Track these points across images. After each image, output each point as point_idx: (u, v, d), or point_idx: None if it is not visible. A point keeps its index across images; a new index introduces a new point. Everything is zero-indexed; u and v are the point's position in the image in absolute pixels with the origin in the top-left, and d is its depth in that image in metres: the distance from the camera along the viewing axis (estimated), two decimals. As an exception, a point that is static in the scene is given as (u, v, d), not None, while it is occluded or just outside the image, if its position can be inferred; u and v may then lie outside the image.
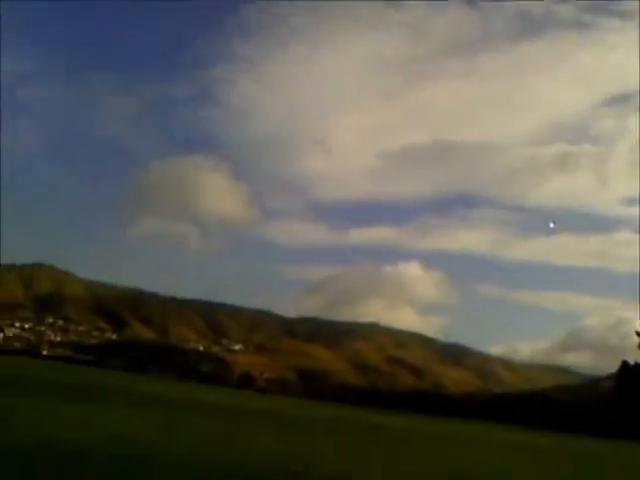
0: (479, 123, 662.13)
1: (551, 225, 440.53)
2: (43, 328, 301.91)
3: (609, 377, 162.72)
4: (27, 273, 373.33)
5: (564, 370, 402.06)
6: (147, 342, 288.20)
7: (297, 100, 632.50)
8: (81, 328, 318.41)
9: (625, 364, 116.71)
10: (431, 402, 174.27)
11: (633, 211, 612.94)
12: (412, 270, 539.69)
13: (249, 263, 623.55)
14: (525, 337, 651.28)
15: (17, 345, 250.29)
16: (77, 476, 10.08)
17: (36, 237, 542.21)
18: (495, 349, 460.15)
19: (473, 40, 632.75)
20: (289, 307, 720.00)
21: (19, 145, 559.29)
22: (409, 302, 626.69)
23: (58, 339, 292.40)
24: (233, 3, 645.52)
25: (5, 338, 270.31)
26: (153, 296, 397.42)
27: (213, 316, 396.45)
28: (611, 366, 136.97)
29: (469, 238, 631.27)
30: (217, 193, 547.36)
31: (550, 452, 42.38)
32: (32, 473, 9.90)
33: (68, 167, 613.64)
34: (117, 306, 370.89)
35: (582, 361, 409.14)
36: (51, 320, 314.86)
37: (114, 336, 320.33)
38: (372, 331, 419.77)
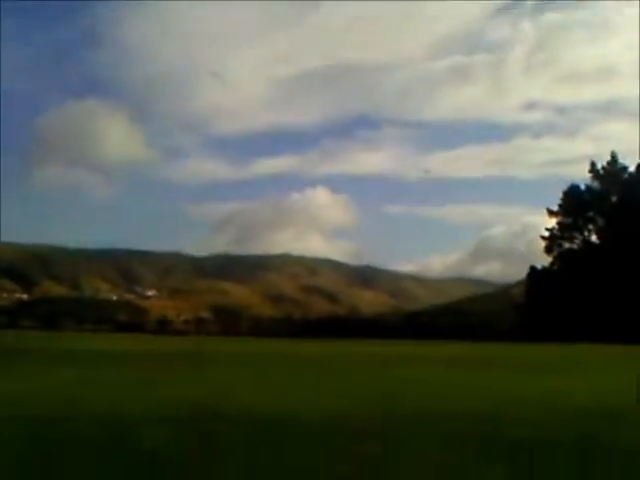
0: (373, 42, 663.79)
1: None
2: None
3: (519, 284, 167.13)
4: None
5: (476, 281, 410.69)
6: (59, 298, 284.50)
7: (189, 34, 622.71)
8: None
9: (533, 269, 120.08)
10: (347, 326, 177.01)
11: (531, 116, 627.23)
12: (318, 196, 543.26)
13: (154, 205, 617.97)
14: (435, 252, 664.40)
15: None
16: None
17: None
18: (407, 267, 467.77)
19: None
20: (199, 246, 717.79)
21: None
22: (318, 229, 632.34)
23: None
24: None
25: None
26: (61, 250, 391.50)
27: (124, 264, 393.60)
28: (521, 273, 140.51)
29: (372, 159, 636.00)
30: (116, 137, 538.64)
31: (467, 360, 44.29)
32: None
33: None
34: (25, 265, 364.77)
35: (492, 270, 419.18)
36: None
37: (24, 296, 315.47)
38: (283, 261, 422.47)
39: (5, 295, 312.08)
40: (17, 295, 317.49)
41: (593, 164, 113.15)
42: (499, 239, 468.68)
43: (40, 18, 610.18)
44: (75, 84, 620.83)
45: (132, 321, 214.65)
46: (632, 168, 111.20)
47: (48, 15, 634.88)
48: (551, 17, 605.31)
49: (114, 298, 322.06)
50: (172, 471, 8.66)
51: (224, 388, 20.35)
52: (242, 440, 10.86)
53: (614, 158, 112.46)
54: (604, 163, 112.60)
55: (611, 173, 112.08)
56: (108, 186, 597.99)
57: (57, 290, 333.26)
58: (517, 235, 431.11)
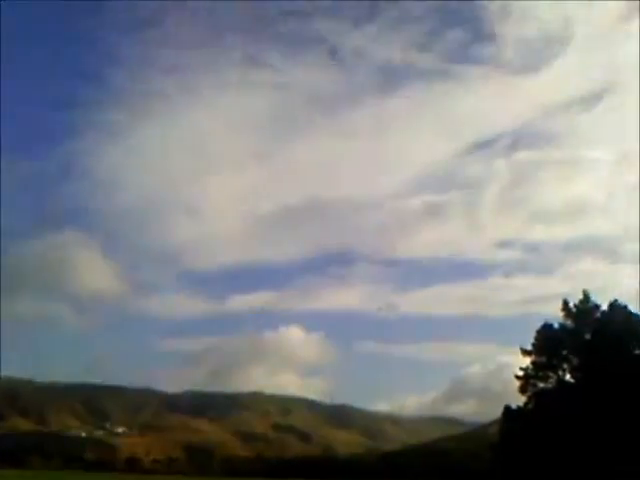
0: (348, 179, 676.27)
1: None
2: None
3: (494, 423, 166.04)
4: None
5: (450, 420, 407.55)
6: (26, 433, 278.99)
7: (164, 167, 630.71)
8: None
9: (507, 409, 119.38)
10: (321, 467, 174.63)
11: (504, 254, 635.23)
12: (292, 334, 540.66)
13: (126, 339, 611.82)
14: (410, 391, 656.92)
15: None
16: None
17: None
18: (381, 406, 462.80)
19: (336, 95, 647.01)
20: (171, 382, 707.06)
21: None
22: (291, 366, 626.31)
23: None
24: (95, 72, 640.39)
25: None
26: (29, 384, 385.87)
27: (93, 399, 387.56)
28: (496, 412, 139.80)
29: (346, 296, 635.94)
30: (88, 269, 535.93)
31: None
32: None
33: None
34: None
35: (468, 410, 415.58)
36: None
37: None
38: (256, 399, 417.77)
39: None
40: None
41: (565, 302, 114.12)
42: (474, 378, 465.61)
43: (16, 151, 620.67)
44: (49, 216, 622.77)
45: (101, 459, 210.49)
46: (604, 306, 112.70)
47: (23, 148, 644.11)
48: (523, 155, 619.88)
49: (83, 435, 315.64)
50: None
51: None
52: None
53: (586, 296, 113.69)
54: (576, 301, 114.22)
55: (584, 311, 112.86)
56: (80, 319, 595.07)
57: (24, 425, 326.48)
58: (492, 374, 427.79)
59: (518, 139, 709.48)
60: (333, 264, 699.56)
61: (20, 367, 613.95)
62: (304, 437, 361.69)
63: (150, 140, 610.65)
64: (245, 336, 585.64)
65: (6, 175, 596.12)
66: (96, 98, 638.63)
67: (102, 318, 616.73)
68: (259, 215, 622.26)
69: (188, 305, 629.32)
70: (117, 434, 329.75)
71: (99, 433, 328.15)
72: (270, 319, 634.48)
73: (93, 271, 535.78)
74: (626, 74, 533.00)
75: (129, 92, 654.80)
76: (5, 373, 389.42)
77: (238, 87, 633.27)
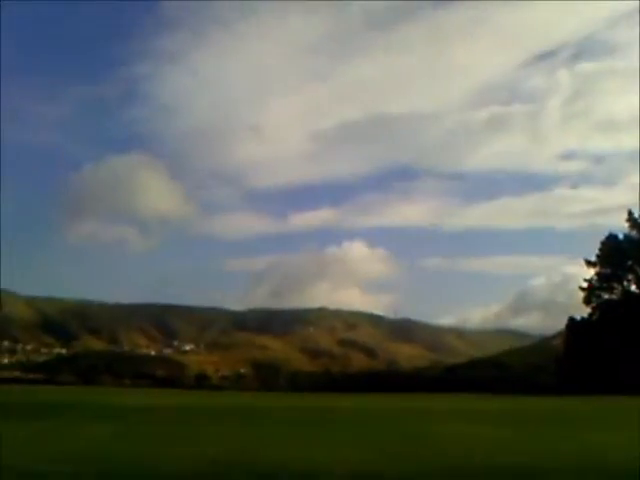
0: (408, 94, 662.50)
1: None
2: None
3: (558, 335, 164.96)
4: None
5: (515, 333, 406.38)
6: (97, 353, 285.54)
7: (225, 89, 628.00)
8: (29, 347, 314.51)
9: (571, 320, 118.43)
10: (385, 380, 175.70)
11: (569, 166, 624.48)
12: (356, 249, 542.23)
13: (192, 260, 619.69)
14: (474, 304, 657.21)
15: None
16: None
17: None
18: (445, 320, 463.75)
19: (392, 10, 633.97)
20: (236, 300, 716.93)
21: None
22: (356, 282, 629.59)
23: (5, 361, 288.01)
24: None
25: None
26: (99, 305, 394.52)
27: (162, 318, 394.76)
28: (561, 324, 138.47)
29: (410, 211, 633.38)
30: (153, 191, 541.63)
31: (505, 413, 43.69)
32: None
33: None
34: (63, 320, 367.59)
35: (532, 322, 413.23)
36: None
37: (63, 351, 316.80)
38: (321, 315, 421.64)
39: (45, 350, 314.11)
40: (56, 350, 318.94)
41: (630, 213, 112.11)
42: (539, 290, 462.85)
43: (78, 75, 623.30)
44: (112, 140, 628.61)
45: (170, 376, 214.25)
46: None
47: (85, 72, 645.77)
48: (586, 66, 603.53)
49: (152, 353, 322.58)
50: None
51: (259, 444, 20.33)
52: None
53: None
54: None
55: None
56: (146, 240, 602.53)
57: (96, 345, 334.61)
58: (557, 286, 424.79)
59: (581, 50, 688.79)
60: (396, 179, 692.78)
61: (90, 288, 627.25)
62: (368, 351, 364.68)
63: (210, 64, 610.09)
64: (308, 253, 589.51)
65: (68, 100, 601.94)
66: (152, 23, 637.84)
67: (168, 239, 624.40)
68: (320, 133, 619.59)
69: (251, 224, 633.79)
70: (185, 352, 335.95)
71: (168, 351, 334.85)
72: (333, 236, 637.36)
73: (158, 193, 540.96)
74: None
75: (186, 16, 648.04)
76: (76, 294, 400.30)
77: (295, 7, 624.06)
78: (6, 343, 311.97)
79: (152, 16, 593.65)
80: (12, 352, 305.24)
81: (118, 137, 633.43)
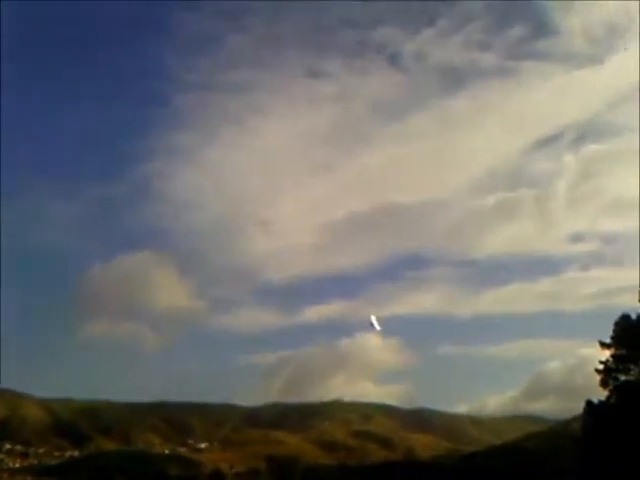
0: (416, 182, 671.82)
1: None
2: (1, 457, 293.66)
3: (576, 419, 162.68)
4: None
5: (532, 418, 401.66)
6: (109, 453, 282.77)
7: (235, 185, 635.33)
8: (41, 450, 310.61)
9: (589, 403, 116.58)
10: (403, 470, 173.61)
11: (579, 248, 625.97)
12: (369, 340, 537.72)
13: (205, 356, 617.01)
14: (490, 391, 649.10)
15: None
16: None
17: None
18: (461, 407, 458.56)
19: (399, 100, 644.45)
20: (250, 396, 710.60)
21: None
22: (370, 373, 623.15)
23: (17, 465, 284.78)
24: (162, 95, 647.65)
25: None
26: (111, 405, 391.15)
27: (175, 416, 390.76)
28: (578, 408, 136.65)
29: (422, 299, 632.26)
30: (165, 288, 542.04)
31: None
32: None
33: (11, 281, 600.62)
34: (75, 421, 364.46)
35: (549, 406, 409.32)
36: (9, 447, 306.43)
37: (76, 452, 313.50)
38: (336, 408, 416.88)
39: (57, 453, 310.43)
40: (68, 452, 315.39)
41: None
42: (554, 374, 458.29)
43: (91, 174, 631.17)
44: (123, 238, 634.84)
45: (185, 475, 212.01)
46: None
47: (98, 171, 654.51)
48: (592, 148, 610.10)
49: (166, 452, 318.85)
50: None
51: None
52: None
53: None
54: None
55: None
56: (158, 338, 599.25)
57: (108, 445, 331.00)
58: (573, 369, 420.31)
59: (585, 132, 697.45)
60: (407, 268, 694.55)
61: (102, 388, 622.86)
62: (385, 442, 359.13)
63: (220, 160, 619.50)
64: (321, 346, 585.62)
65: (82, 199, 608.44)
66: (165, 122, 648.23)
67: (180, 336, 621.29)
68: (329, 225, 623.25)
69: (263, 319, 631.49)
70: (200, 449, 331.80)
71: (182, 449, 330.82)
72: (346, 328, 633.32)
73: (170, 290, 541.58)
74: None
75: (197, 114, 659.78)
76: (87, 395, 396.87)
77: (302, 101, 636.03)
78: (19, 447, 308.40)
79: (163, 114, 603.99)
80: (24, 455, 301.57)
81: (129, 235, 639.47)
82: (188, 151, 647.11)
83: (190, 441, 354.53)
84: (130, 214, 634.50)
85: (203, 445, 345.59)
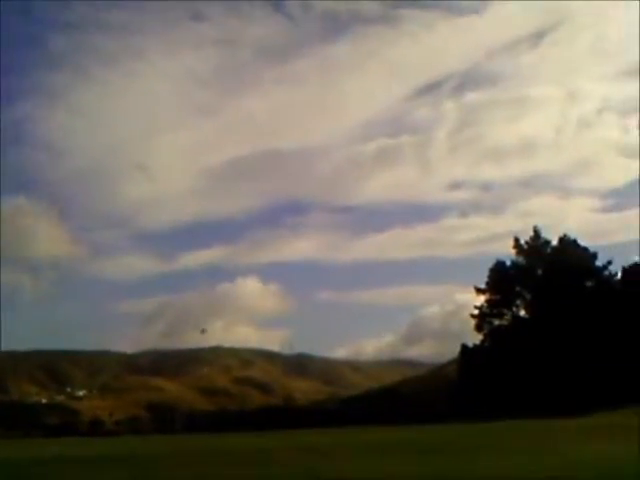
0: (298, 128, 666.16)
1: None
2: None
3: (452, 362, 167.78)
4: None
5: (409, 363, 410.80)
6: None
7: (112, 127, 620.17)
8: None
9: (464, 346, 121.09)
10: (282, 416, 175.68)
11: (458, 195, 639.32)
12: (248, 286, 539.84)
13: (82, 303, 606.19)
14: (368, 336, 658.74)
15: None
16: None
17: None
18: (340, 353, 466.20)
19: (283, 46, 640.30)
20: (129, 343, 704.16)
21: None
22: (250, 319, 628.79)
23: None
24: (35, 35, 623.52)
25: None
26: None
27: (52, 365, 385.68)
28: (454, 352, 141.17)
29: (301, 246, 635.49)
30: (41, 235, 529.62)
31: (402, 444, 44.25)
32: None
33: None
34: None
35: (426, 351, 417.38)
36: None
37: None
38: (216, 354, 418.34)
39: None
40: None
41: (517, 240, 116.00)
42: (431, 319, 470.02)
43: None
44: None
45: (64, 424, 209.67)
46: (555, 241, 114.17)
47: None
48: (472, 97, 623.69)
49: (43, 401, 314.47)
50: None
51: None
52: None
53: (537, 233, 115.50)
54: (528, 238, 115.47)
55: (535, 248, 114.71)
56: (35, 285, 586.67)
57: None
58: (449, 314, 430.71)
59: (465, 81, 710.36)
60: (286, 215, 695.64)
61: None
62: (265, 388, 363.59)
63: (96, 103, 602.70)
64: (200, 292, 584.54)
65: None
66: (35, 61, 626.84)
67: (58, 283, 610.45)
68: (208, 170, 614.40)
69: (141, 265, 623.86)
70: (78, 398, 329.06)
71: (60, 398, 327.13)
72: (225, 274, 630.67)
73: (46, 237, 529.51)
74: (569, 9, 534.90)
75: (73, 56, 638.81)
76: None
77: (185, 45, 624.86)
78: None
79: (35, 53, 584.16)
80: None
81: (2, 180, 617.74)
82: (62, 94, 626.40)
83: (68, 389, 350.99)
84: (2, 159, 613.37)
85: (81, 393, 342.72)
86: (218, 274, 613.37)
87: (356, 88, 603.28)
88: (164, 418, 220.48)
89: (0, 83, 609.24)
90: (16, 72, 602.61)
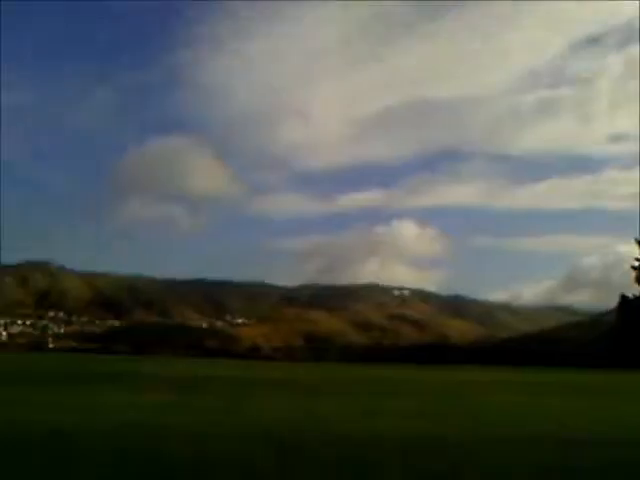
0: (455, 80, 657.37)
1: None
2: (45, 322, 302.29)
3: (610, 312, 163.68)
4: (22, 272, 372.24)
5: (567, 310, 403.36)
6: (150, 324, 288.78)
7: (272, 74, 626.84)
8: (83, 319, 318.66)
9: (624, 297, 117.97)
10: (436, 353, 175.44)
11: (619, 148, 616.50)
12: (406, 228, 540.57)
13: (241, 239, 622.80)
14: (526, 282, 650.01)
15: (22, 341, 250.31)
16: (89, 464, 10.45)
17: (27, 236, 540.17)
18: (497, 296, 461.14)
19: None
20: (286, 277, 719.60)
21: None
22: (406, 260, 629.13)
23: (62, 331, 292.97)
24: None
25: (9, 335, 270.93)
26: (150, 280, 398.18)
27: (212, 294, 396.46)
28: (612, 302, 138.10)
29: (459, 192, 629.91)
30: (202, 172, 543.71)
31: (555, 386, 43.07)
32: (43, 463, 10.32)
33: (49, 163, 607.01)
34: (116, 295, 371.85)
35: (584, 300, 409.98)
36: (52, 314, 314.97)
37: (117, 323, 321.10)
38: (371, 291, 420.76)
39: (98, 322, 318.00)
40: (109, 322, 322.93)
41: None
42: (591, 269, 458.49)
43: (121, 61, 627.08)
44: (158, 124, 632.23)
45: (222, 347, 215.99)
46: None
47: (130, 58, 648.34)
48: (635, 50, 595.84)
49: (204, 326, 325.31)
50: None
51: (318, 414, 20.09)
52: (328, 460, 10.65)
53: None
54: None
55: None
56: (195, 220, 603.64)
57: (148, 317, 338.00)
58: (609, 265, 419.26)
59: (629, 35, 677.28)
60: (444, 162, 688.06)
61: (141, 265, 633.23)
62: (419, 326, 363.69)
63: (256, 49, 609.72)
64: (357, 232, 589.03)
65: (114, 86, 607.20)
66: (196, 11, 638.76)
67: (217, 219, 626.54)
68: (365, 117, 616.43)
69: (299, 206, 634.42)
70: (237, 325, 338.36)
71: (219, 324, 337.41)
72: (381, 217, 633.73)
73: (206, 174, 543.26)
74: None
75: (232, 5, 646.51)
76: (127, 270, 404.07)
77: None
78: (61, 314, 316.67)
79: (195, 3, 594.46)
80: (68, 323, 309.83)
81: (164, 121, 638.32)
82: (224, 41, 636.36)
83: (227, 317, 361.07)
84: (164, 101, 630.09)
85: (240, 320, 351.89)
86: (375, 217, 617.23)
87: (516, 40, 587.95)
88: (319, 348, 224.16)
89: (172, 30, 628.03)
90: (185, 22, 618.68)
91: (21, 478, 8.42)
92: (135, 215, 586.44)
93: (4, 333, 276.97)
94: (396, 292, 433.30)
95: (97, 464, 8.54)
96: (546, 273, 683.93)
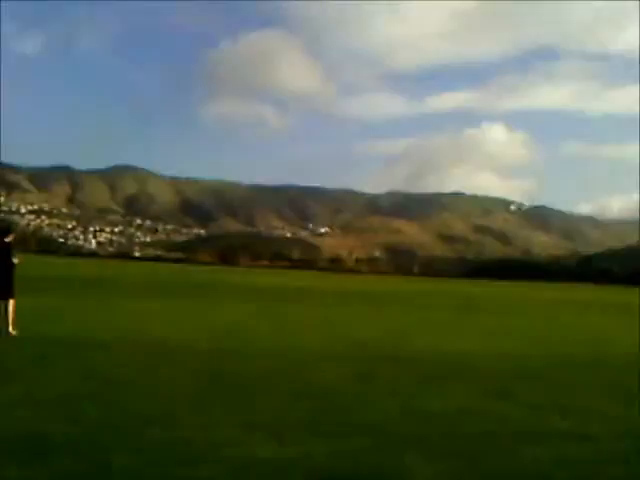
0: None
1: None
2: (132, 230, 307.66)
3: None
4: (110, 177, 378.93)
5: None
6: (235, 234, 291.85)
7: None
8: (169, 227, 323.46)
9: None
10: (520, 268, 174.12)
11: None
12: (495, 133, 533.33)
13: (328, 141, 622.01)
14: (614, 193, 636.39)
15: (110, 249, 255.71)
16: (176, 366, 10.70)
17: (114, 140, 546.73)
18: (583, 208, 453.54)
19: None
20: (372, 183, 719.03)
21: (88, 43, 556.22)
22: (493, 167, 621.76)
23: (148, 240, 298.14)
24: None
25: (98, 244, 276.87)
26: (236, 186, 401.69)
27: (297, 201, 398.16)
28: None
29: (552, 94, 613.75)
30: (291, 69, 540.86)
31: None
32: (132, 367, 10.54)
33: (138, 61, 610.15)
34: (202, 201, 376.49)
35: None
36: (139, 222, 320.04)
37: (202, 231, 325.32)
38: (457, 200, 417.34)
39: (184, 231, 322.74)
40: (195, 230, 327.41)
41: None
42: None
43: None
44: (249, 20, 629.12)
45: (305, 258, 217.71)
46: None
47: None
48: None
49: (288, 235, 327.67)
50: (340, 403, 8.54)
51: (402, 329, 20.13)
52: (403, 377, 10.69)
53: None
54: None
55: None
56: (283, 120, 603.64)
57: (233, 226, 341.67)
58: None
59: None
60: (538, 60, 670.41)
61: (227, 169, 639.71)
62: (503, 239, 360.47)
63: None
64: (446, 135, 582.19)
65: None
66: None
67: (304, 118, 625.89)
68: (461, 12, 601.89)
69: (389, 106, 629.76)
70: (320, 234, 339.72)
71: (303, 233, 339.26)
72: (472, 119, 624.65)
73: (296, 71, 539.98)
74: None
75: None
76: (214, 175, 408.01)
77: None
78: (148, 222, 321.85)
79: None
80: (154, 231, 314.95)
81: (253, 17, 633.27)
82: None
83: (311, 226, 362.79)
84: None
85: (324, 230, 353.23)
86: (465, 119, 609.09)
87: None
88: (403, 260, 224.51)
89: None
90: None
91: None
92: (223, 115, 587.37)
93: (94, 241, 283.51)
94: (481, 202, 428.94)
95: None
96: (635, 184, 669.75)
